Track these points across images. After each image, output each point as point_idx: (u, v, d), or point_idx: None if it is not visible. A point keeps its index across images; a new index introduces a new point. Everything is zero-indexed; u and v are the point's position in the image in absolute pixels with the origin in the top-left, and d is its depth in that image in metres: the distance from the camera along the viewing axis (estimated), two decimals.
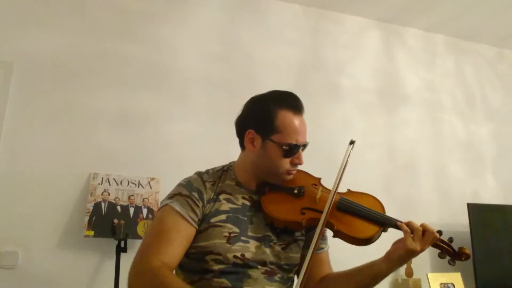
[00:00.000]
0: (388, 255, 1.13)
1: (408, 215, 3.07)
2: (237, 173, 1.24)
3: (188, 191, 1.15)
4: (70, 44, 2.35)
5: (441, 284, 2.53)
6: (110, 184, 2.18)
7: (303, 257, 1.22)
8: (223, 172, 1.25)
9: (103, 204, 2.14)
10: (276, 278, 1.15)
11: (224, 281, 1.08)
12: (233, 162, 1.28)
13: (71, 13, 2.41)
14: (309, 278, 1.21)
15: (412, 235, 1.10)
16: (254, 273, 1.11)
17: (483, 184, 3.16)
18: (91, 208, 2.11)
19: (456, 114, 3.26)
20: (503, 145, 3.34)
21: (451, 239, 1.17)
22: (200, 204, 1.14)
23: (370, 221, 1.16)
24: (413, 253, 1.09)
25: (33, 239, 2.06)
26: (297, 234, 1.23)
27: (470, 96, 3.37)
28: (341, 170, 1.18)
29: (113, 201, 2.15)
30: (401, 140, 3.00)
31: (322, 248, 1.29)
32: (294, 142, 1.15)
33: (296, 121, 1.17)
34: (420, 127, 3.11)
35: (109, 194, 2.16)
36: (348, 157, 1.21)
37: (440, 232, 1.14)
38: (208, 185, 1.18)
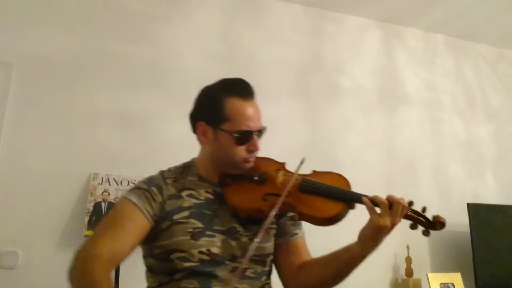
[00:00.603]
0: (359, 235, 1.08)
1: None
2: (198, 168, 1.21)
3: (147, 185, 1.13)
4: (70, 44, 2.35)
5: (441, 284, 2.53)
6: (110, 184, 2.19)
7: (277, 246, 1.20)
8: (185, 168, 1.23)
9: (103, 204, 2.14)
10: (247, 273, 1.10)
11: (193, 281, 1.05)
12: (196, 158, 1.26)
13: (71, 13, 2.41)
14: (286, 266, 1.20)
15: (379, 210, 1.05)
16: (222, 272, 1.07)
17: (483, 184, 3.16)
18: (91, 208, 2.11)
19: (456, 114, 3.26)
20: (503, 145, 3.34)
21: (424, 209, 1.12)
22: (159, 199, 1.11)
23: (334, 199, 1.10)
24: (382, 229, 1.04)
25: (33, 239, 2.06)
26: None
27: (470, 96, 3.37)
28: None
29: (113, 201, 2.15)
30: (401, 140, 3.00)
31: (296, 234, 1.23)
32: (245, 128, 1.12)
33: (245, 107, 1.14)
34: (420, 127, 3.11)
35: (109, 194, 2.17)
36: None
37: (410, 203, 1.10)
38: (169, 181, 1.16)
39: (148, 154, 2.32)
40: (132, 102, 2.38)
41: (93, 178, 2.18)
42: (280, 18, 2.91)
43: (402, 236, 2.72)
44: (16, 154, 2.14)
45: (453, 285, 2.55)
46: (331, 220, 1.09)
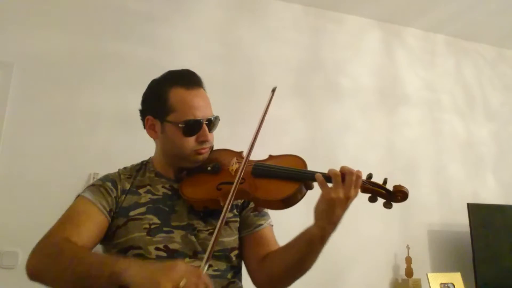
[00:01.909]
0: (314, 213, 1.01)
1: (408, 215, 3.08)
2: (155, 164, 1.20)
3: (102, 181, 1.12)
4: (70, 44, 2.35)
5: (441, 284, 2.53)
6: None
7: (242, 240, 1.16)
8: (142, 165, 1.21)
9: None
10: (209, 272, 1.03)
11: None
12: (152, 155, 1.24)
13: (71, 13, 2.41)
14: (252, 259, 1.14)
15: (330, 183, 0.98)
16: None
17: (483, 184, 3.16)
18: None
19: (456, 114, 3.26)
20: (503, 145, 3.34)
21: (385, 181, 1.05)
22: (114, 194, 1.09)
23: (287, 180, 1.04)
24: (336, 202, 0.96)
25: (33, 239, 2.05)
26: (228, 215, 1.13)
27: (470, 96, 3.37)
28: (255, 135, 1.10)
29: None
30: (401, 140, 3.01)
31: (261, 225, 1.17)
32: (191, 118, 1.09)
33: (189, 96, 1.11)
34: (420, 127, 3.11)
35: None
36: (264, 115, 1.13)
37: (369, 175, 1.04)
38: (123, 176, 1.15)
39: (148, 154, 2.32)
40: (132, 102, 2.36)
41: (93, 178, 2.17)
42: (280, 18, 2.91)
43: (402, 236, 2.73)
44: (16, 154, 2.14)
45: (453, 285, 2.55)
46: (285, 201, 1.03)
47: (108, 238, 1.07)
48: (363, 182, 1.01)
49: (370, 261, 2.63)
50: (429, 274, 2.55)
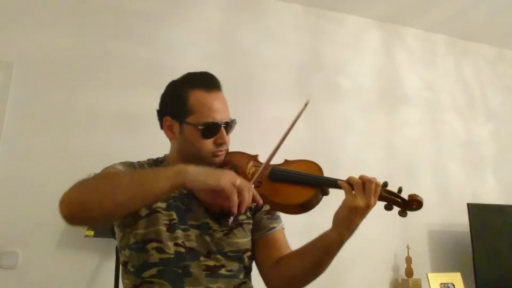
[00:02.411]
0: (334, 220, 1.03)
1: (408, 215, 3.07)
2: (170, 163, 1.20)
3: (130, 162, 1.15)
4: (70, 44, 2.35)
5: (441, 284, 2.53)
6: None
7: (255, 242, 1.17)
8: (158, 162, 1.22)
9: None
10: (222, 272, 1.07)
11: (164, 282, 1.01)
12: (167, 154, 1.24)
13: (71, 13, 2.41)
14: (265, 262, 1.15)
15: (353, 191, 1.00)
16: (195, 270, 1.03)
17: (483, 184, 3.16)
18: None
19: (456, 114, 3.26)
20: (503, 145, 3.34)
21: (400, 189, 1.07)
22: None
23: (305, 185, 1.06)
24: (358, 211, 0.98)
25: (33, 239, 2.06)
26: (242, 217, 1.16)
27: (470, 96, 3.37)
28: (280, 142, 1.13)
29: None
30: (401, 140, 3.01)
31: (273, 228, 1.18)
32: (210, 120, 1.10)
33: (209, 98, 1.12)
34: (420, 127, 3.11)
35: None
36: (290, 128, 1.17)
37: (385, 183, 1.05)
38: (146, 166, 1.18)
39: (148, 154, 2.32)
40: (132, 102, 2.38)
41: None
42: (280, 18, 2.91)
43: (402, 236, 2.73)
44: (16, 154, 2.14)
45: (453, 285, 2.55)
46: (302, 206, 1.04)
47: (128, 224, 1.08)
48: (381, 190, 1.03)
49: (370, 261, 2.63)
50: (429, 274, 2.55)
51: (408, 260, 2.61)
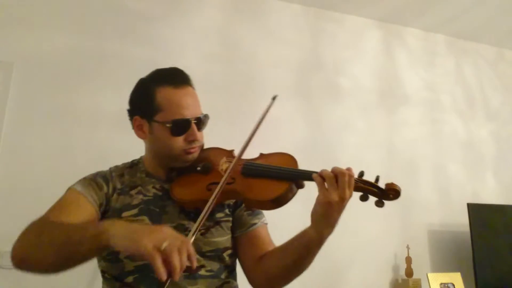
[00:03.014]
0: (311, 217, 0.99)
1: (408, 215, 3.08)
2: (145, 164, 1.18)
3: (93, 176, 1.13)
4: (70, 44, 2.35)
5: (441, 284, 2.53)
6: None
7: (237, 240, 1.14)
8: (133, 165, 1.20)
9: None
10: (202, 272, 1.04)
11: (143, 286, 0.99)
12: (143, 155, 1.23)
13: (71, 13, 2.41)
14: (248, 259, 1.12)
15: (325, 185, 0.95)
16: None
17: (483, 184, 3.16)
18: None
19: (456, 114, 3.26)
20: (503, 145, 3.34)
21: (377, 178, 1.02)
22: (104, 190, 1.09)
23: (278, 179, 1.02)
24: (332, 205, 0.93)
25: None
26: (220, 215, 1.13)
27: (470, 96, 3.37)
28: (249, 138, 1.09)
29: None
30: (401, 140, 3.01)
31: (254, 224, 1.15)
32: (179, 117, 1.07)
33: (177, 94, 1.09)
34: (420, 127, 3.11)
35: None
36: (262, 119, 1.10)
37: (361, 173, 1.01)
38: (114, 174, 1.15)
39: None
40: None
41: None
42: (280, 18, 2.91)
43: (402, 236, 2.73)
44: (16, 154, 2.13)
45: (453, 285, 2.55)
46: (276, 201, 1.00)
47: None
48: (356, 180, 0.98)
49: (370, 261, 2.63)
50: (429, 274, 2.55)
51: (408, 260, 2.61)
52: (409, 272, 2.59)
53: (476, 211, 2.71)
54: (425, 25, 3.29)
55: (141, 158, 1.23)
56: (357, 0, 2.97)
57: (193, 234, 0.88)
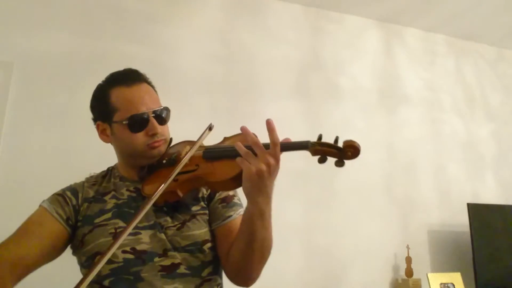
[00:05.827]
0: (244, 193, 0.98)
1: (408, 215, 3.08)
2: (119, 169, 1.20)
3: (62, 190, 1.14)
4: (70, 44, 2.35)
5: (441, 284, 2.53)
6: None
7: (214, 233, 1.11)
8: (108, 171, 1.21)
9: None
10: (180, 270, 1.02)
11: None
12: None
13: (71, 13, 2.41)
14: (223, 252, 1.09)
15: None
16: (147, 274, 0.99)
17: (483, 184, 3.16)
18: None
19: (456, 114, 3.27)
20: (503, 145, 3.34)
21: (336, 139, 0.99)
22: (72, 203, 1.10)
23: (236, 157, 0.99)
24: (258, 175, 0.91)
25: None
26: (195, 208, 1.11)
27: (470, 96, 3.37)
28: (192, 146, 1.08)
29: None
30: (401, 140, 3.01)
31: (230, 216, 1.12)
32: (135, 112, 1.08)
33: (130, 92, 1.10)
34: (420, 127, 3.11)
35: None
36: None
37: (320, 136, 0.99)
38: (87, 184, 1.16)
39: None
40: None
41: None
42: (280, 18, 2.92)
43: (402, 236, 2.73)
44: (16, 154, 2.13)
45: (453, 285, 2.56)
46: (237, 179, 0.98)
47: (77, 247, 1.09)
48: (313, 144, 0.97)
49: (370, 261, 2.63)
50: (429, 274, 2.55)
51: (408, 260, 2.61)
52: (409, 272, 2.59)
53: (476, 211, 2.71)
54: (425, 25, 3.29)
55: (115, 164, 1.24)
56: (357, 0, 2.97)
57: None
